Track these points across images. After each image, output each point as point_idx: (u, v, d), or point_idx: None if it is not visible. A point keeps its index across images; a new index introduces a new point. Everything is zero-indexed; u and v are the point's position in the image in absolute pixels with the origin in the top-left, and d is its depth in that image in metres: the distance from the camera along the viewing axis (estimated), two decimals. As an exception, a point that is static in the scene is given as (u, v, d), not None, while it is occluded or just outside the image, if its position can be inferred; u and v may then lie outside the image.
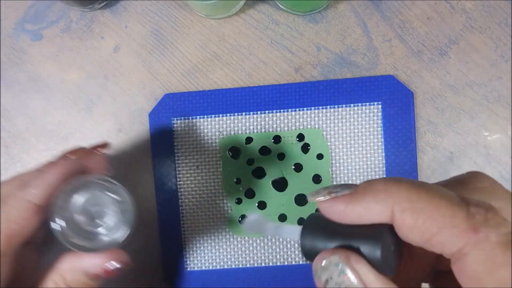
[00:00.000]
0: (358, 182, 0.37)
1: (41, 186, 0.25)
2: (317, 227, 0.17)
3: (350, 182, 0.37)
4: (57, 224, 0.24)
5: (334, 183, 0.37)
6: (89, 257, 0.26)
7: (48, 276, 0.26)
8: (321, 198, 0.17)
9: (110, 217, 0.26)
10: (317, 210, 0.18)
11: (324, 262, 0.16)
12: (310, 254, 0.17)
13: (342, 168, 0.37)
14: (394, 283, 0.16)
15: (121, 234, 0.26)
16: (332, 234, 0.17)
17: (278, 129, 0.37)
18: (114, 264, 0.26)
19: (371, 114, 0.37)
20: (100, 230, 0.26)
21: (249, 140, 0.37)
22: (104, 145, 0.29)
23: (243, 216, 0.37)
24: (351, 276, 0.16)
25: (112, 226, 0.26)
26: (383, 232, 0.15)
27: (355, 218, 0.16)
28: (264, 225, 0.20)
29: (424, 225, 0.15)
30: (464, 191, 0.16)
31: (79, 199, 0.25)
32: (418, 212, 0.15)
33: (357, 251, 0.16)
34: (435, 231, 0.14)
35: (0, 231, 0.24)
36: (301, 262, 0.37)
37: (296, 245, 0.37)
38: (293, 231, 0.18)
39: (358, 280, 0.16)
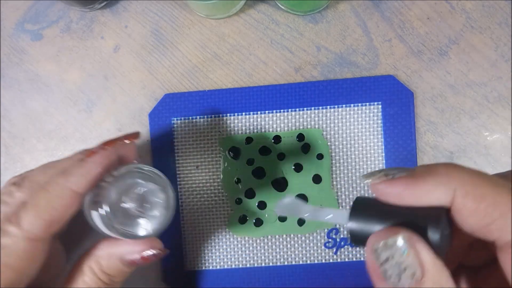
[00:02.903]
0: (358, 181, 0.37)
1: (83, 175, 0.25)
2: (369, 210, 0.17)
3: (350, 182, 0.37)
4: (103, 210, 0.25)
5: (337, 180, 0.37)
6: (127, 244, 0.26)
7: (83, 262, 0.26)
8: (377, 181, 0.17)
9: (154, 206, 0.26)
10: None
11: (387, 241, 0.16)
12: (360, 236, 0.17)
13: (342, 168, 0.37)
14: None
15: (162, 222, 0.26)
16: (387, 216, 0.16)
17: (278, 129, 0.37)
18: (151, 252, 0.26)
19: (371, 114, 0.37)
20: (143, 218, 0.26)
21: (249, 140, 0.37)
22: (135, 135, 0.30)
23: (243, 216, 0.37)
24: (413, 256, 0.16)
25: (155, 215, 0.26)
26: (442, 216, 0.15)
27: (413, 201, 0.16)
28: (300, 207, 0.19)
29: (486, 210, 0.15)
30: None
31: (125, 187, 0.26)
32: (481, 197, 0.15)
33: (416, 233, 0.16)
34: (496, 217, 0.15)
35: (41, 216, 0.24)
36: (301, 262, 0.37)
37: (296, 245, 0.37)
38: (338, 214, 0.18)
39: (418, 261, 0.16)
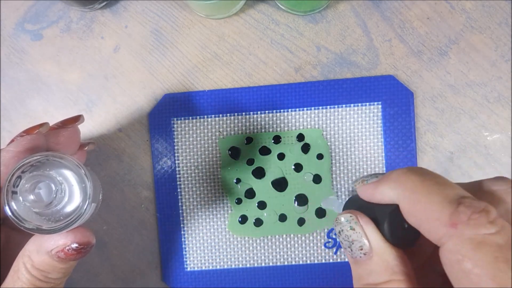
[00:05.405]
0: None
1: None
2: (354, 204, 0.23)
3: (350, 181, 0.37)
4: (18, 202, 0.23)
5: (337, 180, 0.37)
6: (51, 238, 0.25)
7: (18, 257, 0.25)
8: (359, 185, 0.22)
9: (71, 197, 0.25)
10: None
11: (340, 218, 0.21)
12: None
13: (342, 168, 0.37)
14: (401, 253, 0.20)
15: (79, 213, 0.24)
16: (363, 208, 0.21)
17: (278, 129, 0.37)
18: (73, 246, 0.25)
19: (371, 114, 0.37)
20: (55, 210, 0.24)
21: (249, 140, 0.37)
22: (74, 119, 0.28)
23: (243, 216, 0.37)
24: (359, 232, 0.20)
25: (73, 206, 0.24)
26: (392, 210, 0.20)
27: (378, 199, 0.20)
28: (332, 201, 0.27)
29: (417, 213, 0.18)
30: (479, 192, 0.19)
31: (26, 179, 0.24)
32: (414, 202, 0.18)
33: (374, 219, 0.20)
34: (424, 219, 0.18)
35: None
36: (301, 262, 0.37)
37: (296, 245, 0.37)
38: (339, 206, 0.25)
39: (363, 235, 0.20)
